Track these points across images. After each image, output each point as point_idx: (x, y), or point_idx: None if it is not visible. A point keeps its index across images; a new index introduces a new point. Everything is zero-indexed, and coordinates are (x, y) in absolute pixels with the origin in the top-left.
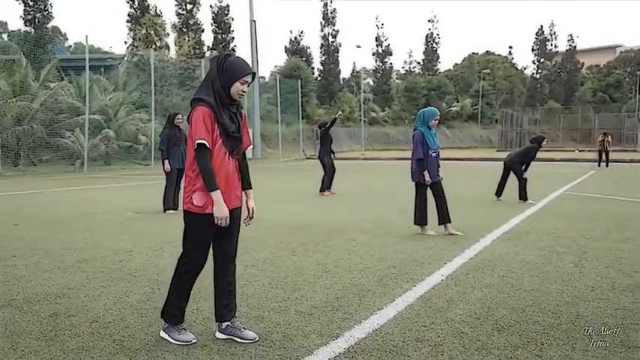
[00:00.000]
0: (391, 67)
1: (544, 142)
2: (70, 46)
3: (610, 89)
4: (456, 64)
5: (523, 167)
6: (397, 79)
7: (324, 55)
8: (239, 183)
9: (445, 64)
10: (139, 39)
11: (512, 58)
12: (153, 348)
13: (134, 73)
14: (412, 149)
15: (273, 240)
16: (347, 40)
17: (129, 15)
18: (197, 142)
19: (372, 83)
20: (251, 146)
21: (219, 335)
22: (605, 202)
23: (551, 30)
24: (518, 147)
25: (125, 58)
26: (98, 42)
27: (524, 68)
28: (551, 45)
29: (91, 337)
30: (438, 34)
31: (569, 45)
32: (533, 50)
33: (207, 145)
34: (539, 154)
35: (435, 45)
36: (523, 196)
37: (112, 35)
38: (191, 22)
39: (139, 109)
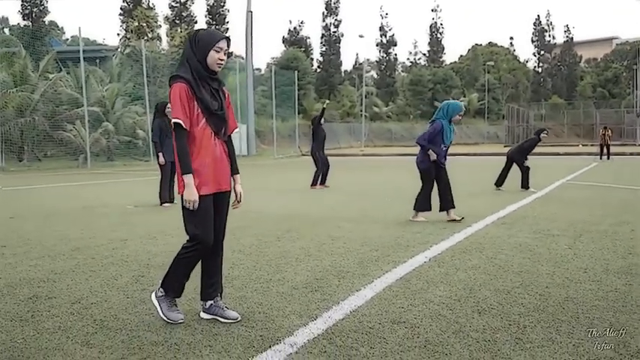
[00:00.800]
0: (395, 59)
1: (543, 134)
2: (67, 39)
3: (609, 84)
4: (461, 55)
5: (523, 180)
6: (402, 71)
7: (324, 45)
8: (228, 167)
9: (450, 55)
10: (132, 31)
11: (515, 50)
12: (135, 328)
13: (127, 64)
14: (424, 135)
15: (260, 228)
16: (350, 30)
17: (121, 8)
18: (173, 121)
19: (375, 76)
20: (237, 131)
21: (203, 315)
22: (604, 190)
23: (548, 20)
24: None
25: (119, 50)
26: (92, 35)
27: (527, 61)
28: (549, 36)
29: (70, 317)
30: (441, 24)
31: (567, 36)
32: (532, 42)
33: (184, 125)
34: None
35: (439, 35)
36: (525, 184)
37: (105, 28)
38: (184, 14)
39: (134, 101)
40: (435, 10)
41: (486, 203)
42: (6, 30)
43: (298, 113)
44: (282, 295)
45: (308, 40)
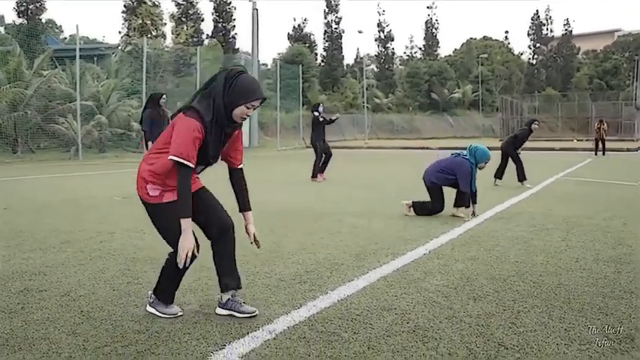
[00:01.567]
0: (393, 53)
1: (534, 125)
2: (66, 38)
3: (607, 76)
4: (455, 49)
5: (519, 174)
6: (400, 64)
7: (327, 41)
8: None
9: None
10: (134, 29)
11: (509, 43)
12: (119, 318)
13: (127, 61)
14: (466, 180)
15: (256, 221)
16: (350, 26)
17: (125, 6)
18: (181, 160)
19: (375, 69)
20: (241, 166)
21: (219, 311)
22: (598, 186)
23: (547, 14)
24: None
25: (119, 47)
26: (92, 33)
27: (521, 54)
28: (547, 30)
29: (59, 309)
30: (437, 20)
31: (566, 29)
32: (529, 35)
33: (191, 165)
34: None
35: (434, 30)
36: (521, 177)
37: (105, 26)
38: (191, 11)
39: (131, 95)
40: (431, 7)
41: (485, 199)
42: (1, 28)
43: (302, 105)
44: (267, 287)
45: (312, 37)
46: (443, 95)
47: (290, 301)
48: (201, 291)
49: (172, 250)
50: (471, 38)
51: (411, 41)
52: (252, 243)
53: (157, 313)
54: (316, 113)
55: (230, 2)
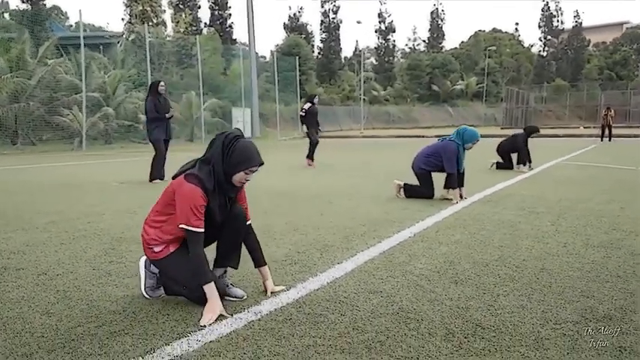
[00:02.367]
0: (394, 45)
1: (533, 134)
2: (71, 26)
3: (616, 67)
4: (462, 41)
5: (519, 159)
6: (401, 57)
7: (324, 32)
8: None
9: (451, 42)
10: (136, 15)
11: (519, 36)
12: (96, 298)
13: (132, 51)
14: (450, 161)
15: (250, 204)
16: (349, 18)
17: None
18: (192, 229)
19: (374, 62)
20: (246, 187)
21: None
22: (597, 170)
23: (557, 6)
24: (523, 124)
25: (123, 36)
26: (96, 20)
27: (531, 46)
28: (558, 21)
29: (35, 288)
30: (443, 11)
31: (576, 22)
32: (539, 27)
33: (200, 231)
34: (544, 131)
35: (440, 22)
36: (522, 161)
37: (109, 13)
38: None
39: (138, 87)
40: None
41: (476, 181)
42: (6, 15)
43: (300, 97)
44: (250, 269)
45: (309, 27)
46: (445, 87)
47: (280, 283)
48: None
49: (187, 288)
50: (479, 30)
51: (414, 33)
52: (268, 295)
53: (142, 283)
54: (307, 105)
55: None
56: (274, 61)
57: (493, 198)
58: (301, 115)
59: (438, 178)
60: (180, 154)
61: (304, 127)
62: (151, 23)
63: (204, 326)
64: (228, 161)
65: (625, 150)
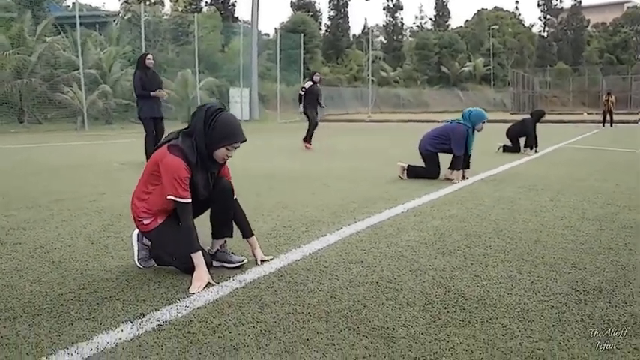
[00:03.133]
0: (402, 23)
1: (541, 117)
2: (68, 6)
3: (617, 50)
4: (467, 20)
5: (526, 142)
6: (410, 36)
7: (332, 9)
8: None
9: (456, 20)
10: None
11: (520, 15)
12: (90, 268)
13: (127, 29)
14: (458, 144)
15: (240, 185)
16: None
17: None
18: (179, 200)
19: (383, 41)
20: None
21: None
22: (599, 152)
23: None
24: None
25: (120, 15)
26: (93, 0)
27: (532, 25)
28: (557, 0)
29: (30, 259)
30: None
31: (575, 0)
32: (539, 5)
33: (187, 200)
34: (550, 117)
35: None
36: (529, 145)
37: None
38: None
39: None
40: None
41: (479, 163)
42: None
43: (304, 77)
44: (242, 241)
45: (317, 4)
46: (453, 69)
47: (265, 254)
48: None
49: (176, 259)
50: (482, 9)
51: (421, 11)
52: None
53: (135, 253)
54: (309, 83)
55: None
56: (277, 39)
57: (496, 178)
58: (300, 94)
59: (445, 160)
60: None
61: (301, 106)
62: (148, 2)
63: (193, 293)
64: (210, 135)
65: (624, 135)
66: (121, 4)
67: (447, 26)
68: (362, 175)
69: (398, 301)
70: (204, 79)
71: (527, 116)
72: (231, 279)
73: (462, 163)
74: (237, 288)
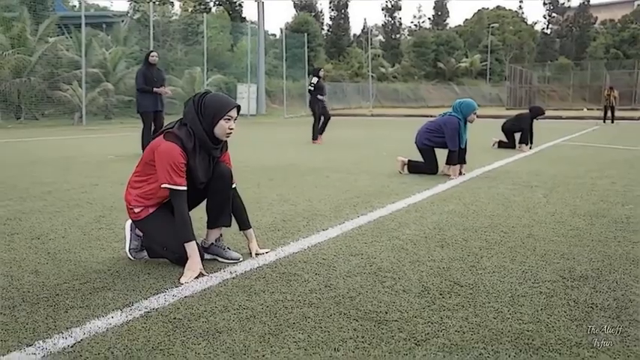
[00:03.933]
0: (400, 23)
1: (539, 115)
2: (75, 6)
3: (624, 45)
4: (466, 19)
5: (521, 138)
6: (408, 35)
7: (333, 10)
8: None
9: (455, 20)
10: None
11: (523, 13)
12: (84, 260)
13: (136, 29)
14: (452, 138)
15: (242, 177)
16: None
17: None
18: (174, 187)
19: (382, 39)
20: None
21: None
22: (597, 150)
23: None
24: (527, 105)
25: (128, 15)
26: (101, 0)
27: (535, 23)
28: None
29: (27, 250)
30: None
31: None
32: (544, 4)
33: (183, 188)
34: (547, 113)
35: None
36: (524, 140)
37: None
38: None
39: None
40: None
41: (475, 159)
42: None
43: (308, 74)
44: (239, 234)
45: (318, 6)
46: (449, 64)
47: (261, 247)
48: None
49: (167, 249)
50: (482, 8)
51: (419, 11)
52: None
53: (127, 243)
54: (315, 79)
55: None
56: (283, 38)
57: (491, 174)
58: (310, 90)
59: (442, 155)
60: None
61: (319, 97)
62: (157, 2)
63: (182, 284)
64: (204, 117)
65: (625, 132)
66: (130, 4)
67: (446, 25)
68: (363, 168)
69: (394, 289)
70: (213, 76)
71: (525, 111)
72: (222, 270)
73: (457, 157)
74: (227, 279)
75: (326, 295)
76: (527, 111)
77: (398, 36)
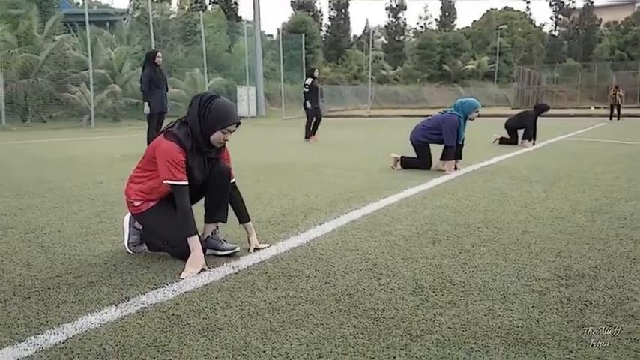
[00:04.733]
0: (405, 24)
1: (544, 111)
2: (78, 3)
3: (628, 47)
4: (474, 20)
5: (524, 134)
6: (413, 37)
7: (333, 9)
8: None
9: (463, 21)
10: None
11: (531, 15)
12: (79, 253)
13: (137, 28)
14: (449, 134)
15: (242, 174)
16: None
17: None
18: (176, 183)
19: (385, 41)
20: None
21: None
22: (602, 145)
23: None
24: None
25: (129, 13)
26: None
27: (543, 25)
28: (569, 0)
29: (20, 244)
30: None
31: (587, 0)
32: (550, 5)
33: (184, 183)
34: (554, 111)
35: (452, 0)
36: (527, 137)
37: None
38: None
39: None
40: None
41: (475, 155)
42: None
43: (306, 76)
44: (241, 227)
45: (317, 5)
46: (456, 67)
47: (261, 241)
48: None
49: (167, 243)
50: (491, 9)
51: (426, 11)
52: (250, 251)
53: (125, 237)
54: (310, 80)
55: None
56: (280, 39)
57: (488, 169)
58: (305, 91)
59: (437, 151)
60: None
61: (308, 102)
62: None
63: (183, 278)
64: (205, 122)
65: (631, 128)
66: (130, 1)
67: (453, 27)
68: (359, 166)
69: (389, 286)
70: (213, 78)
71: (530, 109)
72: (224, 265)
73: (453, 153)
74: (229, 274)
75: (326, 292)
76: (532, 109)
77: (402, 38)
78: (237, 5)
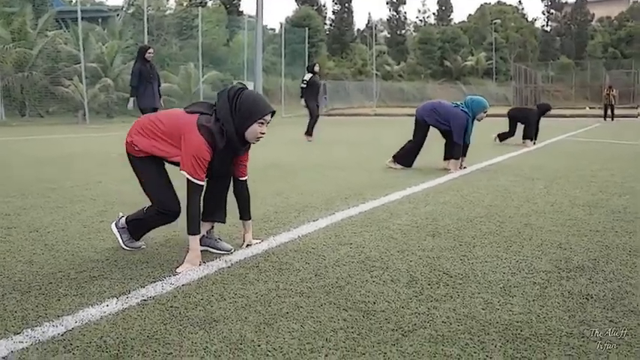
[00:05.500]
0: (405, 17)
1: (547, 111)
2: (71, 1)
3: (621, 44)
4: (470, 14)
5: (525, 133)
6: (414, 31)
7: (336, 3)
8: None
9: (459, 15)
10: None
11: (523, 9)
12: (82, 250)
13: (130, 23)
14: (459, 131)
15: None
16: None
17: None
18: (194, 180)
19: (387, 35)
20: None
21: None
22: (597, 144)
23: None
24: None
25: (123, 9)
26: None
27: (535, 20)
28: None
29: (23, 242)
30: None
31: None
32: (542, 0)
33: (203, 183)
34: (552, 112)
35: None
36: (528, 136)
37: None
38: None
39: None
40: None
41: (478, 155)
42: None
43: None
44: (234, 225)
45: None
46: (456, 63)
47: (254, 237)
48: (169, 226)
49: (152, 208)
50: (485, 3)
51: (424, 5)
52: (243, 247)
53: (118, 237)
54: (309, 76)
55: None
56: (282, 33)
57: (492, 167)
58: (302, 87)
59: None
60: None
61: (303, 100)
62: None
63: (179, 273)
64: (238, 116)
65: (625, 129)
66: None
67: (450, 20)
68: (361, 165)
69: (382, 279)
70: (208, 73)
71: (534, 107)
72: (217, 259)
73: (460, 151)
74: (222, 267)
75: (316, 285)
76: (535, 107)
77: (403, 32)
78: (240, 0)
